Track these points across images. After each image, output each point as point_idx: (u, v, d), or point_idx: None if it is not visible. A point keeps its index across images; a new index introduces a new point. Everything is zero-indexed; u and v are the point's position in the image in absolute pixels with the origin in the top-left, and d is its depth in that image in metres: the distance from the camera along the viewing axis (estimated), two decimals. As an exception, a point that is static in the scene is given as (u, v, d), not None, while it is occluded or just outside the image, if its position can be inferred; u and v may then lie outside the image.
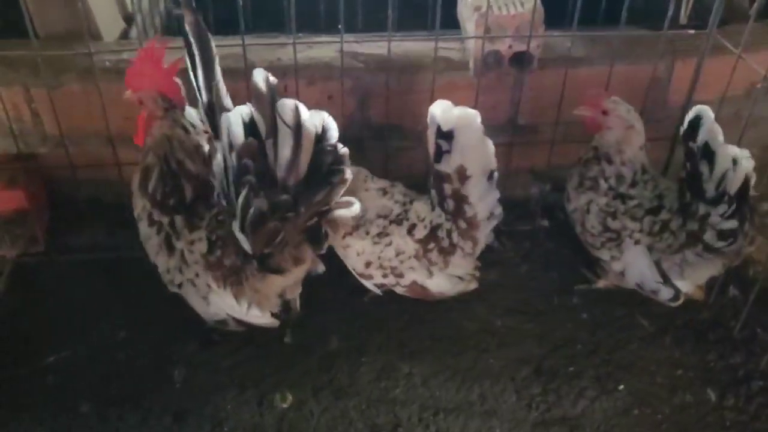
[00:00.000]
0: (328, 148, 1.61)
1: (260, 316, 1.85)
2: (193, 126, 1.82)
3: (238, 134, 1.52)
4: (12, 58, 2.09)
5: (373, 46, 2.29)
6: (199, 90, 1.80)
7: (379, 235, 1.93)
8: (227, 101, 1.83)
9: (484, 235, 1.96)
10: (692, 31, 2.30)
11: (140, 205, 1.84)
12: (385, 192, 2.00)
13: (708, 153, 1.77)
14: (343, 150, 1.64)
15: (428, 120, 1.79)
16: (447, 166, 1.81)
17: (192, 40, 1.78)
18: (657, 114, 2.35)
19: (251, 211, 1.54)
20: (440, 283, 2.00)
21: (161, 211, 1.81)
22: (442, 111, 1.75)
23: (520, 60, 2.19)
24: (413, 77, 2.25)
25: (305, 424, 1.83)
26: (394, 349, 2.03)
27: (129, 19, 2.53)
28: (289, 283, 1.83)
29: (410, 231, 1.94)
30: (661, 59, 2.25)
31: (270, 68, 2.14)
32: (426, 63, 2.24)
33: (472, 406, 1.88)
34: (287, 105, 1.55)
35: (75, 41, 2.13)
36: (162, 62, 1.74)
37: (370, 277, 2.00)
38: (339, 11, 1.98)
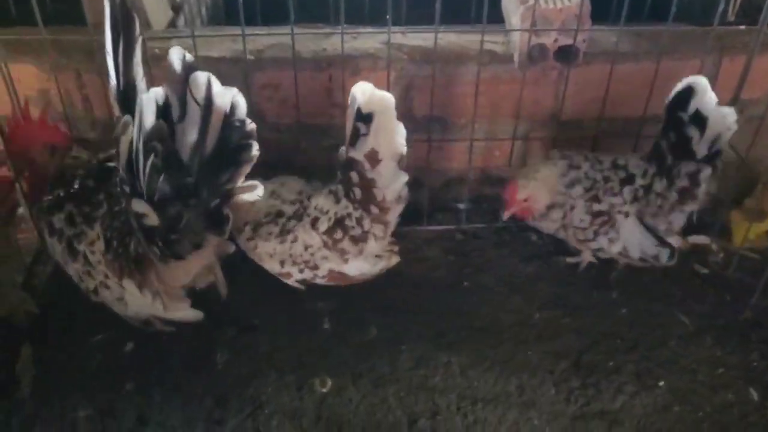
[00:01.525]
0: (237, 123, 1.58)
1: (179, 310, 1.86)
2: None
3: (149, 117, 1.50)
4: (65, 44, 2.14)
5: (417, 38, 2.30)
6: (117, 72, 1.69)
7: (282, 233, 1.96)
8: (142, 85, 1.73)
9: (395, 217, 1.96)
10: (743, 27, 2.27)
11: (41, 222, 1.91)
12: (272, 193, 2.01)
13: (698, 119, 1.87)
14: (251, 126, 1.61)
15: (349, 101, 1.75)
16: (360, 151, 1.78)
17: (116, 19, 1.68)
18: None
19: (156, 191, 1.54)
20: (358, 266, 2.01)
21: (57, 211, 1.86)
22: (362, 92, 1.71)
23: (565, 54, 2.18)
24: (457, 70, 2.26)
25: (345, 409, 1.85)
26: (433, 339, 2.04)
27: (176, 8, 2.58)
28: (194, 270, 1.82)
29: (314, 225, 1.95)
30: (709, 55, 2.23)
31: (315, 59, 2.22)
32: (470, 56, 2.25)
33: (510, 397, 1.89)
34: (199, 79, 1.52)
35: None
36: (31, 118, 1.89)
37: (289, 275, 2.03)
38: (387, 3, 1.99)
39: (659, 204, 2.02)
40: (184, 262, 1.72)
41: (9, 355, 1.97)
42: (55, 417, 1.83)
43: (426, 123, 2.32)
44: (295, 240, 1.96)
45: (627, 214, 2.06)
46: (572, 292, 2.21)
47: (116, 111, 1.73)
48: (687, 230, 2.34)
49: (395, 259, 2.06)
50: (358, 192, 1.88)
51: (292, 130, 2.30)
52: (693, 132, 1.89)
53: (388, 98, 1.71)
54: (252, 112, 1.65)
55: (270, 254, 1.98)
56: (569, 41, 2.13)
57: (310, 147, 2.31)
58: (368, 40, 2.28)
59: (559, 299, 2.18)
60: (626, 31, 2.22)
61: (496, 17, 2.34)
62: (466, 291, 2.22)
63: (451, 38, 2.29)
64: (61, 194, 1.87)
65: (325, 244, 1.95)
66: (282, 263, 1.99)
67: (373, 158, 1.79)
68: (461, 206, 2.44)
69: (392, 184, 1.86)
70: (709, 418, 1.84)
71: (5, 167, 2.06)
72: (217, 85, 1.54)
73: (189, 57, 1.54)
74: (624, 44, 2.26)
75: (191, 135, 1.55)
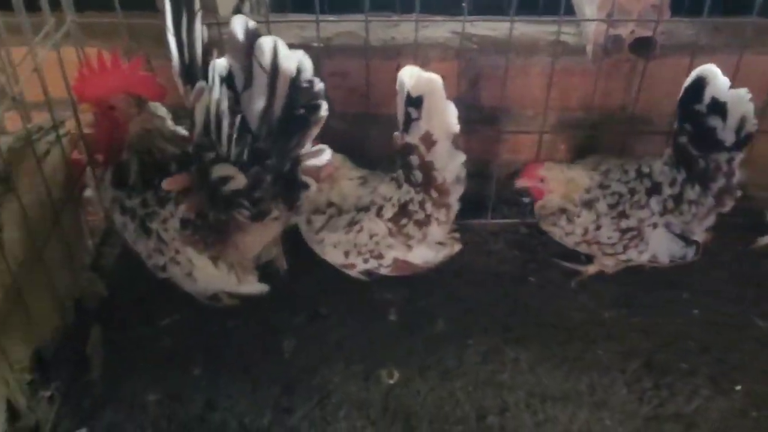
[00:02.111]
0: (304, 84, 1.58)
1: (248, 283, 1.90)
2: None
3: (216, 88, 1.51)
4: (136, 28, 2.14)
5: (486, 27, 2.26)
6: (180, 48, 1.73)
7: (350, 224, 1.94)
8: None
9: (455, 200, 1.91)
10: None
11: (110, 198, 1.89)
12: (365, 181, 2.00)
13: (717, 107, 1.79)
14: (319, 85, 1.60)
15: (397, 87, 1.72)
16: (414, 135, 1.75)
17: None
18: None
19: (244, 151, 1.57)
20: (422, 254, 1.99)
21: (135, 194, 1.84)
22: (410, 76, 1.69)
23: (641, 46, 2.12)
24: (527, 60, 2.22)
25: (412, 401, 1.84)
26: (500, 334, 2.02)
27: (242, -5, 2.58)
28: (269, 236, 1.87)
29: (378, 213, 1.93)
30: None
31: (384, 47, 2.19)
32: (540, 46, 2.20)
33: (580, 396, 1.85)
34: (265, 45, 1.52)
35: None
36: (120, 64, 1.78)
37: (353, 266, 2.01)
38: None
39: (694, 212, 1.95)
40: (262, 228, 1.76)
41: (79, 336, 1.99)
42: (124, 400, 1.85)
43: (493, 114, 2.28)
44: (360, 230, 1.94)
45: (655, 225, 2.00)
46: (640, 291, 2.16)
47: (180, 87, 1.76)
48: (760, 230, 2.30)
49: (458, 246, 2.03)
50: (418, 175, 1.85)
51: (359, 119, 2.28)
52: (715, 121, 1.81)
53: (436, 79, 1.68)
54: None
55: (334, 245, 1.97)
56: (647, 33, 2.08)
57: (378, 137, 2.29)
58: (438, 29, 2.24)
59: (628, 298, 2.14)
60: (701, 24, 2.15)
61: (566, 8, 2.29)
62: (532, 286, 2.18)
63: (523, 28, 2.24)
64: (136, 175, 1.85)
65: (390, 232, 1.93)
66: (347, 254, 1.98)
67: (429, 141, 1.76)
68: (526, 200, 2.39)
69: (450, 165, 1.83)
70: (788, 425, 1.79)
71: (77, 151, 2.08)
72: (283, 49, 1.54)
73: (252, 24, 1.54)
74: (700, 37, 2.18)
75: (258, 102, 1.56)
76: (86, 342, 1.98)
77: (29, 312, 1.75)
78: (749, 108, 1.79)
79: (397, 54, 2.20)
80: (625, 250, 2.04)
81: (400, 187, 1.92)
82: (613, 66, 2.23)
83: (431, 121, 1.73)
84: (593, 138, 2.40)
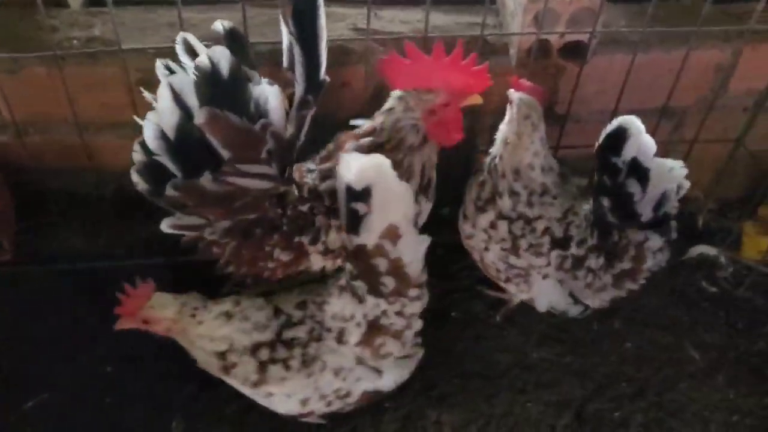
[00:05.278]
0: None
1: None
2: None
3: None
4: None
5: (394, 20, 1.94)
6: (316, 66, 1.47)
7: (305, 363, 1.50)
8: None
9: (425, 296, 1.56)
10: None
11: None
12: (228, 316, 1.50)
13: (638, 170, 1.51)
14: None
15: (337, 182, 1.38)
16: (370, 234, 1.38)
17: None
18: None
19: None
20: (393, 375, 1.61)
21: None
22: (348, 169, 1.31)
23: (572, 50, 1.85)
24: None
25: (324, 488, 1.63)
26: (421, 392, 1.80)
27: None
28: None
29: (340, 339, 1.53)
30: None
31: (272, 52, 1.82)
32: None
33: (508, 462, 1.69)
34: None
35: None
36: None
37: (310, 414, 1.59)
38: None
39: (589, 282, 1.71)
40: None
41: None
42: None
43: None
44: (323, 368, 1.52)
45: (546, 276, 1.75)
46: (570, 321, 1.96)
47: None
48: (693, 238, 2.15)
49: (421, 351, 1.66)
50: (390, 281, 1.46)
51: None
52: (633, 187, 1.53)
53: (383, 163, 1.32)
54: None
55: (288, 395, 1.53)
56: (579, 37, 1.80)
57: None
58: (335, 24, 1.91)
59: (558, 331, 1.96)
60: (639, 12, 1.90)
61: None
62: (454, 325, 1.96)
63: (437, 20, 1.92)
64: None
65: (360, 358, 1.55)
66: (305, 402, 1.54)
67: (394, 234, 1.39)
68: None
69: (418, 254, 1.45)
70: (724, 478, 1.69)
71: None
72: None
73: None
74: (635, 24, 1.93)
75: None
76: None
77: None
78: (674, 186, 1.52)
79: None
80: (506, 281, 1.82)
81: (362, 300, 1.51)
82: (540, 67, 1.94)
83: (389, 212, 1.37)
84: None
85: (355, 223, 1.36)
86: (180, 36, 1.42)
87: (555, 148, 1.96)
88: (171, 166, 1.37)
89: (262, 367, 1.47)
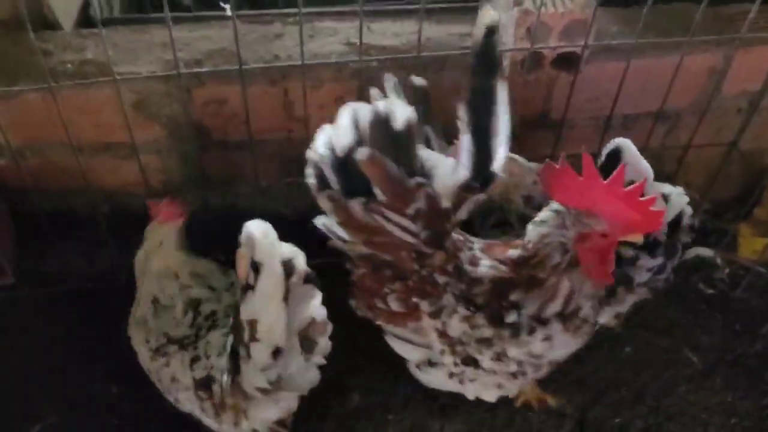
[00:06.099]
0: None
1: None
2: None
3: None
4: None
5: (385, 33, 1.94)
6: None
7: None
8: None
9: None
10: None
11: None
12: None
13: None
14: None
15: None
16: (244, 311, 1.34)
17: None
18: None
19: None
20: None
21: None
22: (249, 237, 1.29)
23: (565, 61, 1.85)
24: (435, 76, 1.90)
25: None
26: (423, 404, 1.82)
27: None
28: None
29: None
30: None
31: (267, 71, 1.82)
32: (451, 58, 1.89)
33: (512, 473, 1.72)
34: None
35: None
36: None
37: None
38: None
39: None
40: None
41: None
42: None
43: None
44: None
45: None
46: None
47: None
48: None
49: None
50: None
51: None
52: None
53: (276, 247, 1.30)
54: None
55: None
56: (571, 48, 1.80)
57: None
58: (327, 39, 1.92)
59: (558, 338, 1.98)
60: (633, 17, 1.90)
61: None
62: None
63: (430, 31, 1.92)
64: None
65: None
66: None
67: (252, 329, 1.34)
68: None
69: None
70: (722, 481, 1.72)
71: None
72: None
73: None
74: (626, 29, 1.95)
75: None
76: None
77: None
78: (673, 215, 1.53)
79: (283, 77, 1.85)
80: None
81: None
82: (533, 78, 1.94)
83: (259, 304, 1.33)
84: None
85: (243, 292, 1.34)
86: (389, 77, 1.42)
87: (551, 156, 1.97)
88: (330, 177, 1.36)
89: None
